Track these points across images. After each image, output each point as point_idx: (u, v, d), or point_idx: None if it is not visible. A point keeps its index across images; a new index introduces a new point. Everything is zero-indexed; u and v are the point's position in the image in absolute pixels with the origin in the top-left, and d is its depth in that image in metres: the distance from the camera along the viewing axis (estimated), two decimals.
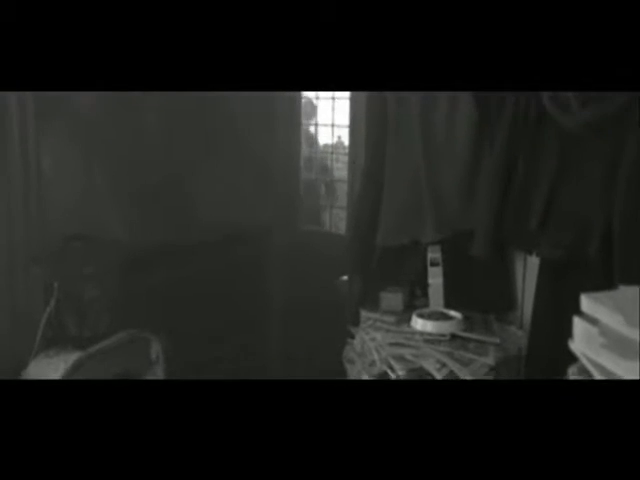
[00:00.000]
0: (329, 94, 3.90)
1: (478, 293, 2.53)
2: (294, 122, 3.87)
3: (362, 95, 2.74)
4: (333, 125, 3.96)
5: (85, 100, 2.82)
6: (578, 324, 1.50)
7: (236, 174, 3.48)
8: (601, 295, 1.48)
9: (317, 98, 3.99)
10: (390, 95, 2.58)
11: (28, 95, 2.63)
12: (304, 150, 4.02)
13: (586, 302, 1.48)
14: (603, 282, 1.76)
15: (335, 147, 3.98)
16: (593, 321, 1.46)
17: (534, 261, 2.40)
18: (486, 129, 2.41)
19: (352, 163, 2.86)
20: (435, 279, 2.44)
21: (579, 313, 1.49)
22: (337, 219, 3.98)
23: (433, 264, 2.44)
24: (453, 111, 2.45)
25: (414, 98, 2.52)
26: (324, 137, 4.05)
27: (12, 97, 2.60)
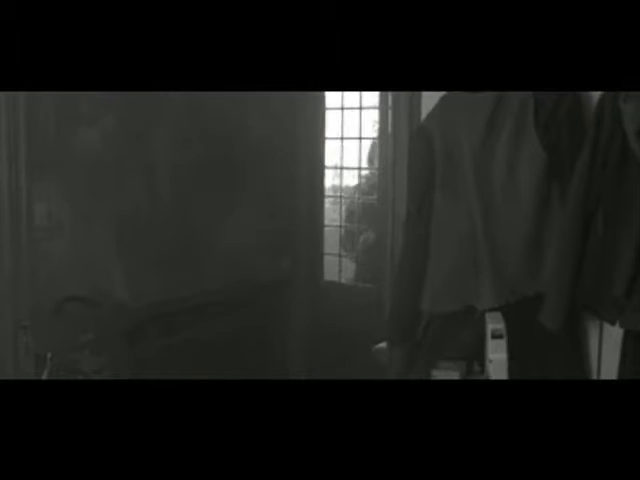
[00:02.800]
0: (356, 133, 3.59)
1: (546, 368, 2.15)
2: (317, 169, 3.67)
3: (404, 133, 2.38)
4: (360, 168, 3.63)
5: (87, 143, 2.67)
6: None
7: (257, 224, 3.33)
8: None
9: (342, 138, 3.68)
10: (437, 133, 2.23)
11: (20, 138, 2.42)
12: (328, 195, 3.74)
13: None
14: None
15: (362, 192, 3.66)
16: None
17: (612, 330, 2.08)
18: (557, 175, 2.10)
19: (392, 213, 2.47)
20: (497, 354, 2.06)
21: None
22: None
23: (495, 336, 2.06)
24: (515, 153, 2.13)
25: (467, 137, 2.17)
26: (350, 179, 3.73)
27: (2, 141, 2.37)
